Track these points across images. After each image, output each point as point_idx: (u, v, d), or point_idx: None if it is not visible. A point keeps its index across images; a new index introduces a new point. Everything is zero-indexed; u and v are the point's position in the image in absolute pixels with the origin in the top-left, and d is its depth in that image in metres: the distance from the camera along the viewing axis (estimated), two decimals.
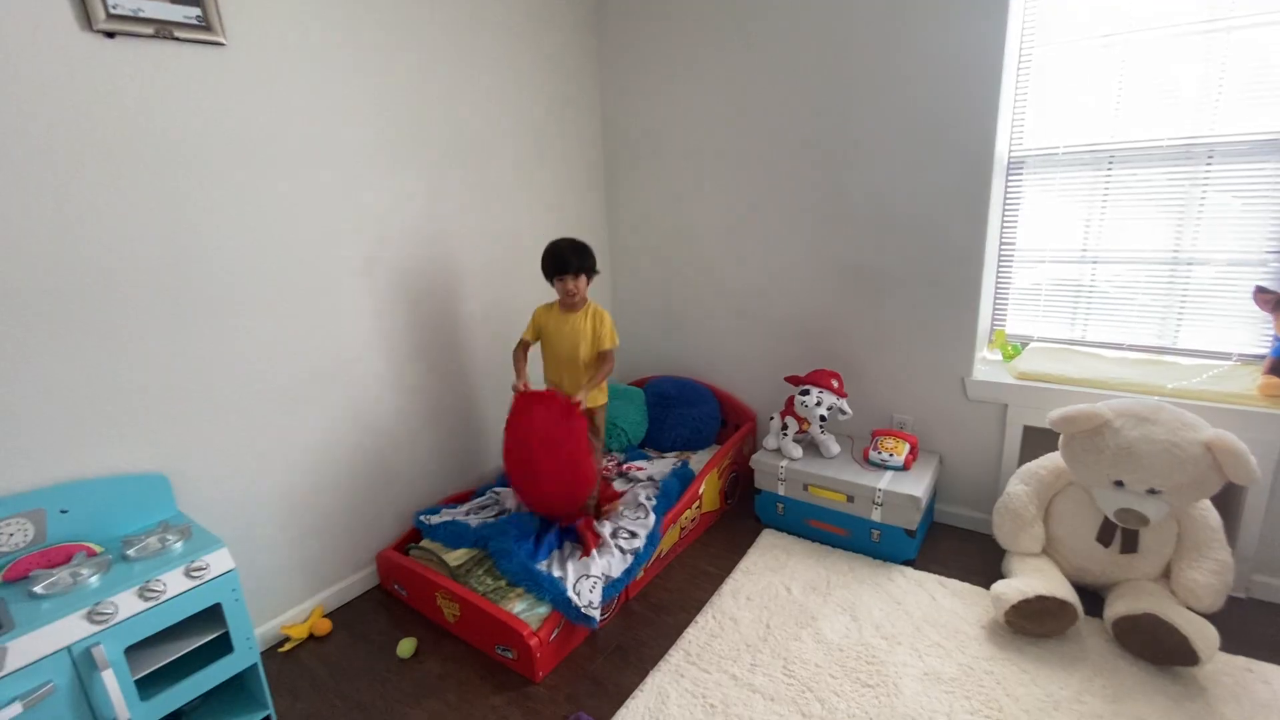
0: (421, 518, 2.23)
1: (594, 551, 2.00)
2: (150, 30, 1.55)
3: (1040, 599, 1.76)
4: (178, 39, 1.59)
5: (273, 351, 1.89)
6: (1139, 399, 1.81)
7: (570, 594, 1.84)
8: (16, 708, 1.23)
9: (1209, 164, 2.06)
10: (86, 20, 1.46)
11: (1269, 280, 1.99)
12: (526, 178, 2.64)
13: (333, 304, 2.02)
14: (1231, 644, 1.79)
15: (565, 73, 2.74)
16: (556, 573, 1.92)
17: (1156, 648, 1.67)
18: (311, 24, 1.85)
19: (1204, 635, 1.61)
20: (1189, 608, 1.76)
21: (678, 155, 2.78)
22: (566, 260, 2.04)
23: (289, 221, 1.88)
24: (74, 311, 1.51)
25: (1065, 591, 1.78)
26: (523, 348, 2.18)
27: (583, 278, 2.08)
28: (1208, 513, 1.81)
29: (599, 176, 3.03)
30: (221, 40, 1.66)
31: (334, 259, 2.01)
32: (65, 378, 1.52)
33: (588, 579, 1.90)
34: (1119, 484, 1.77)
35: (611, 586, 1.94)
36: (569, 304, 2.11)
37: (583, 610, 1.82)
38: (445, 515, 2.23)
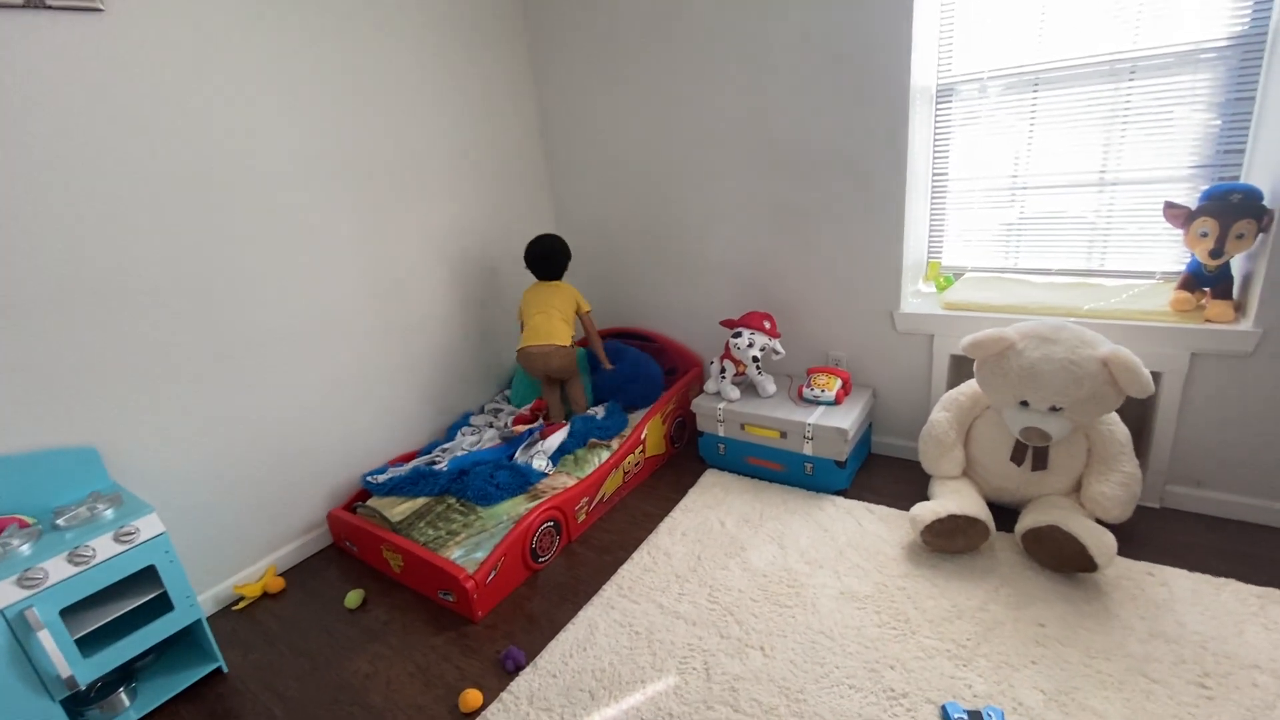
0: (368, 478, 2.29)
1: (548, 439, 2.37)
2: (20, 1, 1.51)
3: (952, 518, 1.83)
4: (50, 7, 1.56)
5: (204, 324, 1.91)
6: (1044, 320, 1.84)
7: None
8: None
9: (1131, 80, 2.04)
10: None
11: (1184, 196, 2.00)
12: (463, 138, 2.60)
13: (264, 271, 2.03)
14: (1141, 551, 1.87)
15: (497, 41, 2.67)
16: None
17: (1059, 557, 1.75)
18: None
19: (1101, 543, 1.69)
20: (1098, 520, 1.83)
21: (615, 112, 2.74)
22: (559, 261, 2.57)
23: (188, 191, 1.86)
24: None
25: (977, 509, 1.85)
26: None
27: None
28: (1115, 428, 1.86)
29: (536, 140, 2.98)
30: (98, 6, 1.62)
31: (251, 231, 2.00)
32: None
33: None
34: (1024, 404, 1.82)
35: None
36: None
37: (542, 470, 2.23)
38: (390, 473, 2.29)
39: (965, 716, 1.37)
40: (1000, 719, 1.36)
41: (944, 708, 1.41)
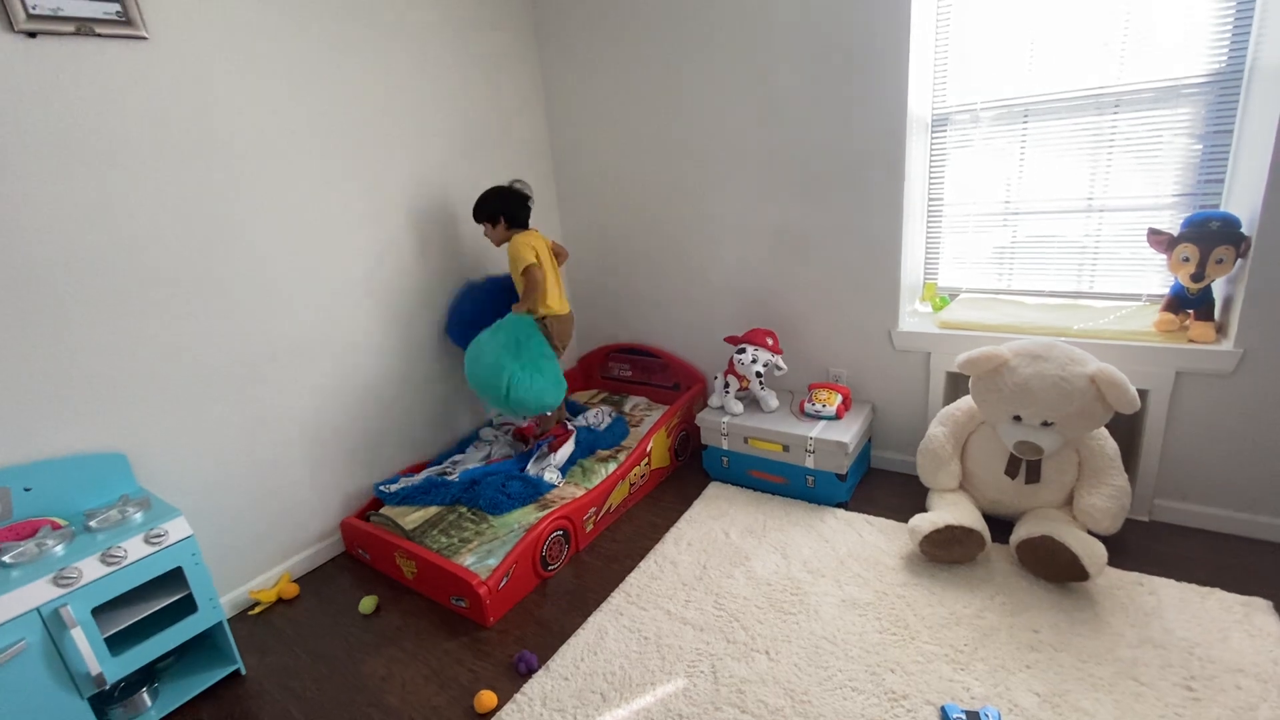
0: (380, 487, 2.35)
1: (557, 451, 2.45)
2: (71, 28, 1.61)
3: (950, 528, 1.90)
4: (99, 35, 1.65)
5: (227, 335, 1.99)
6: (1036, 339, 1.93)
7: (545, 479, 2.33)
8: None
9: (1116, 112, 2.15)
10: (8, 21, 1.52)
11: (1167, 223, 2.10)
12: (469, 161, 2.70)
13: (285, 286, 2.11)
14: (1131, 562, 1.94)
15: (510, 65, 2.79)
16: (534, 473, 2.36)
17: (1052, 566, 1.81)
18: (235, 14, 1.91)
19: (1092, 553, 1.76)
20: (1089, 531, 1.90)
21: (621, 134, 2.85)
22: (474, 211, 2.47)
23: (224, 211, 1.95)
24: (23, 304, 1.60)
25: (974, 521, 1.92)
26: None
27: (486, 224, 2.47)
28: (1105, 442, 1.94)
29: (546, 159, 3.09)
30: (143, 34, 1.72)
31: (277, 246, 2.09)
32: (22, 366, 1.61)
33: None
34: (1017, 418, 1.90)
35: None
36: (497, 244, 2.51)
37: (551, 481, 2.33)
38: (402, 483, 2.35)
39: (964, 717, 1.43)
40: (997, 719, 1.42)
41: (943, 709, 1.47)
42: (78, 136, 1.65)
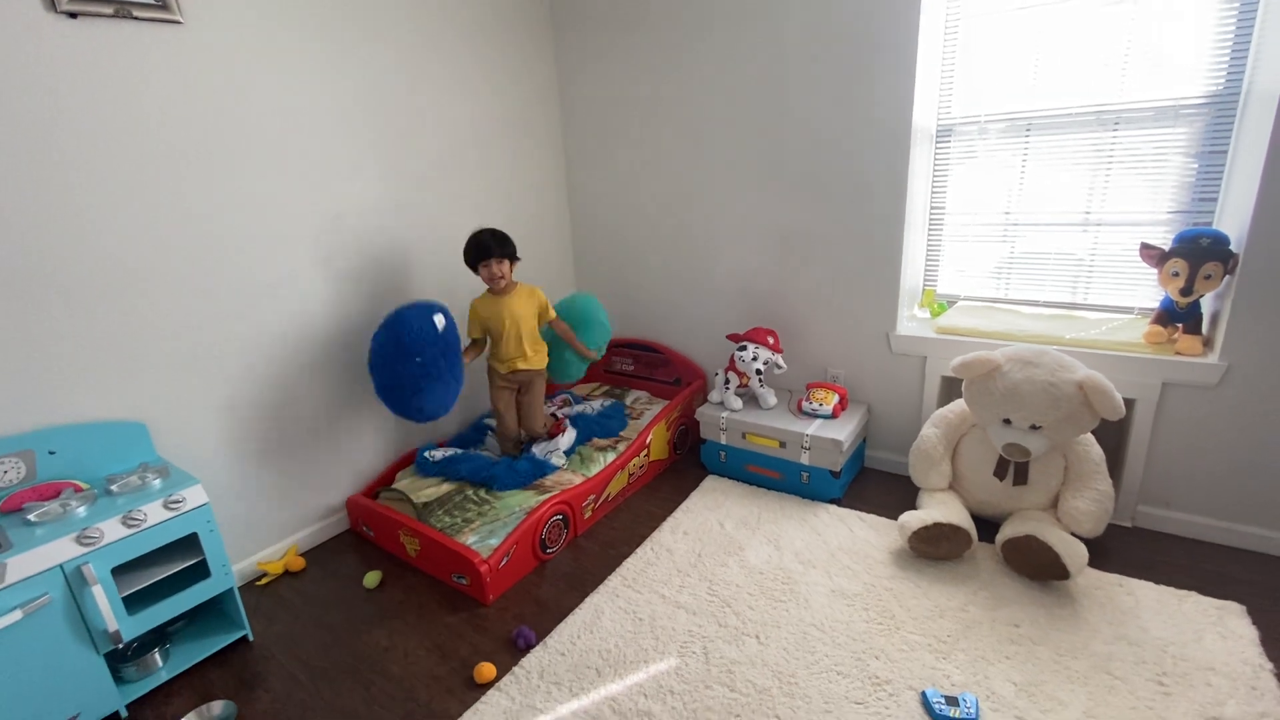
0: (425, 453, 2.46)
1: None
2: (110, 10, 1.67)
3: (938, 525, 1.97)
4: (136, 18, 1.72)
5: (245, 313, 2.05)
6: (1028, 346, 1.99)
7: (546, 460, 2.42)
8: (17, 614, 1.42)
9: (1116, 129, 2.21)
10: (51, 2, 1.59)
11: (1161, 239, 2.16)
12: (488, 160, 2.76)
13: (306, 266, 2.18)
14: (1112, 565, 2.01)
15: (525, 64, 2.86)
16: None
17: (1035, 565, 1.88)
18: (265, 1, 1.97)
19: (1074, 553, 1.82)
20: (1073, 533, 1.97)
21: (632, 136, 2.91)
22: (489, 247, 2.26)
23: (249, 192, 2.01)
24: (53, 276, 1.66)
25: (961, 519, 1.99)
26: (474, 349, 2.43)
27: (505, 262, 2.31)
28: (1090, 448, 2.01)
29: (559, 158, 3.15)
30: (178, 19, 1.78)
31: (297, 228, 2.15)
32: (51, 334, 1.68)
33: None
34: (1007, 422, 1.96)
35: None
36: (498, 289, 2.34)
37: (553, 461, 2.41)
38: (442, 453, 2.48)
39: (943, 701, 1.50)
40: (975, 705, 1.49)
41: (924, 694, 1.54)
42: (113, 115, 1.71)
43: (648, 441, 2.63)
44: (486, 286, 2.37)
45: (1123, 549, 2.09)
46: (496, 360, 2.43)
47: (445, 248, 2.64)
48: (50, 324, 1.68)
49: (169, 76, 1.80)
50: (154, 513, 1.65)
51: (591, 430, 2.64)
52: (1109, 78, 2.15)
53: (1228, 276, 1.94)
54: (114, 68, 1.70)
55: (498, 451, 2.57)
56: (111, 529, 1.58)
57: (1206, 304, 2.08)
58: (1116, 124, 2.20)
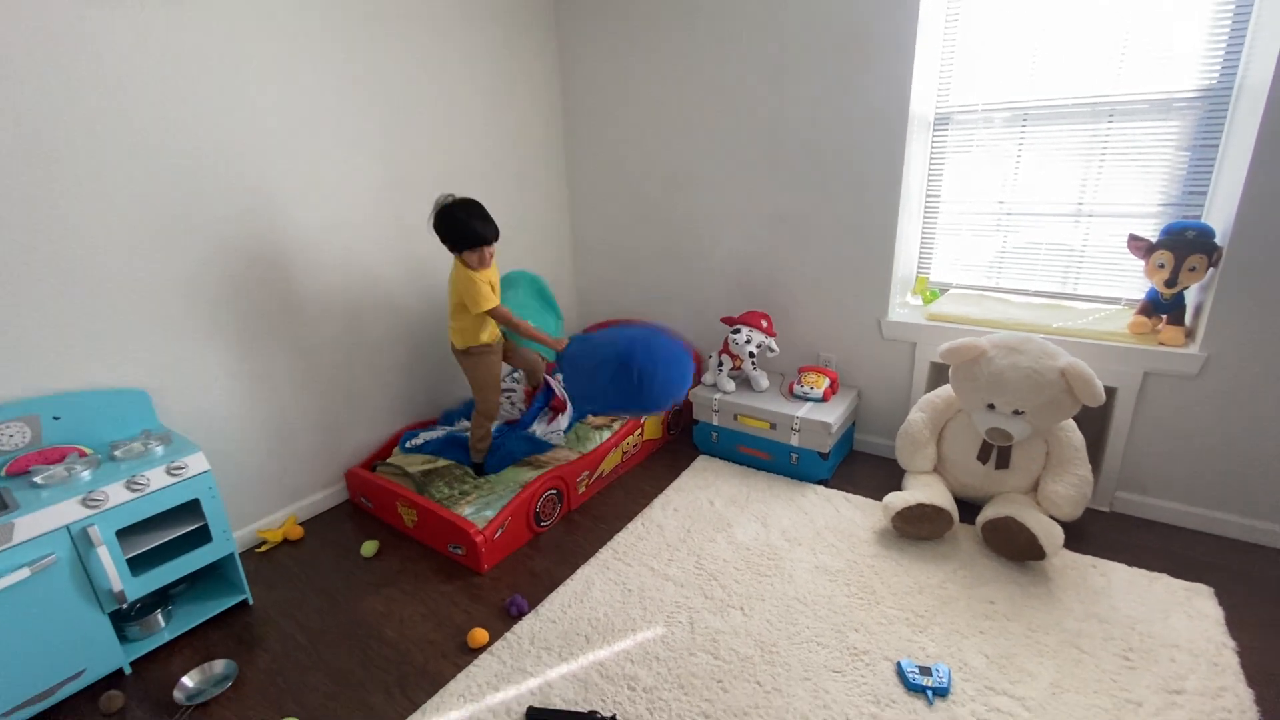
0: (406, 443, 2.49)
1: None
2: None
3: (921, 506, 2.02)
4: None
5: (248, 285, 2.08)
6: (1013, 333, 2.04)
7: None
8: (25, 572, 1.47)
9: (1110, 121, 2.23)
10: None
11: (1151, 231, 2.20)
12: (490, 144, 2.77)
13: (307, 239, 2.20)
14: (1088, 547, 2.07)
15: (527, 50, 2.85)
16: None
17: (1012, 545, 1.94)
18: None
19: (1050, 534, 1.88)
20: (1051, 516, 2.03)
21: (632, 119, 2.92)
22: (488, 236, 2.07)
23: (249, 167, 2.03)
24: (55, 240, 1.69)
25: (944, 500, 2.05)
26: (477, 320, 2.18)
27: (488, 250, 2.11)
28: (1072, 434, 2.06)
29: (559, 140, 3.16)
30: None
31: (298, 200, 2.17)
32: (56, 301, 1.71)
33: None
34: (991, 406, 2.01)
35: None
36: (483, 267, 2.12)
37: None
38: (424, 437, 2.51)
39: (917, 671, 1.56)
40: (948, 674, 1.55)
41: (899, 664, 1.60)
42: (113, 84, 1.72)
43: (642, 421, 2.68)
44: (457, 259, 2.13)
45: (1099, 533, 2.15)
46: (488, 331, 2.25)
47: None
48: (57, 290, 1.70)
49: (169, 45, 1.81)
50: (157, 478, 1.69)
51: (584, 410, 2.68)
52: (1106, 69, 2.17)
53: (1212, 269, 1.98)
54: (111, 33, 1.70)
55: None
56: (116, 493, 1.62)
57: (1191, 296, 2.12)
58: (1111, 116, 2.22)
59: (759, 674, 1.60)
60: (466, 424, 2.61)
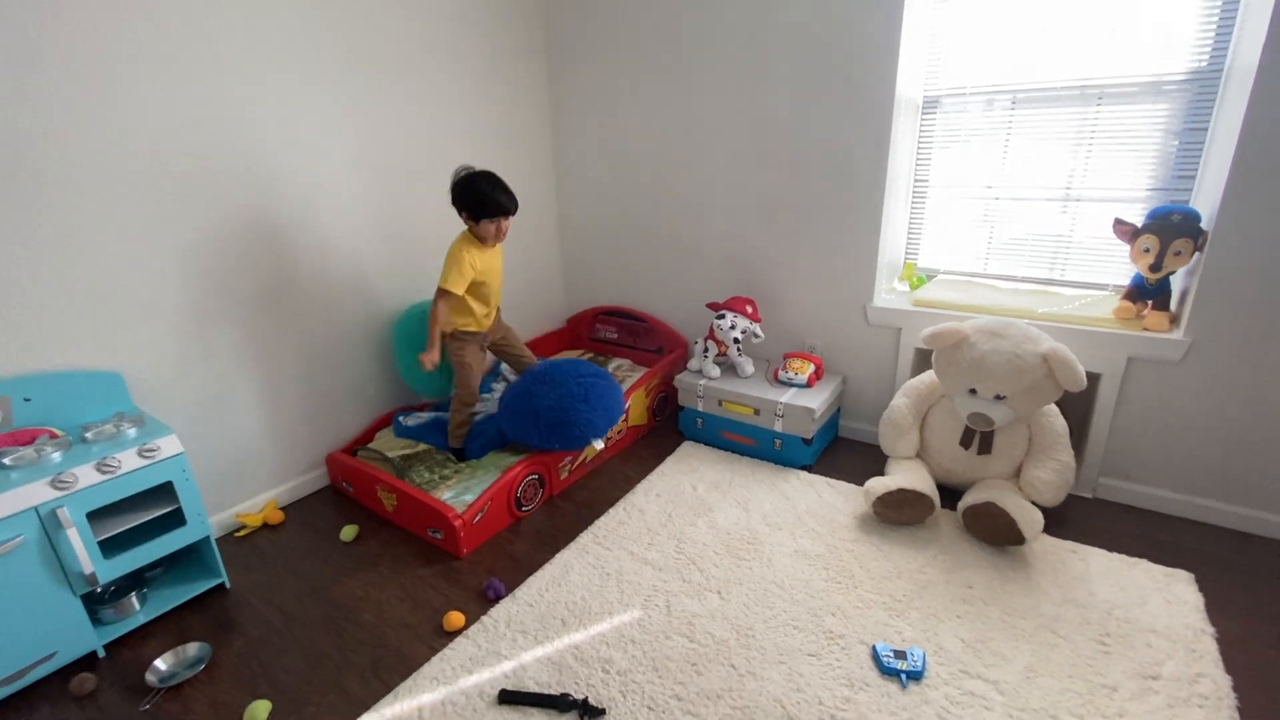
0: (400, 417, 2.49)
1: None
2: None
3: (902, 491, 2.01)
4: None
5: (225, 264, 2.05)
6: (996, 318, 2.02)
7: None
8: None
9: (1100, 104, 2.21)
10: None
11: (1139, 216, 2.17)
12: (476, 129, 2.74)
13: (288, 215, 2.18)
14: (1069, 533, 2.06)
15: (515, 36, 2.82)
16: None
17: (992, 530, 1.93)
18: None
19: (1030, 519, 1.87)
20: (1033, 502, 2.02)
21: (621, 103, 2.88)
22: (508, 206, 2.12)
23: (227, 135, 2.00)
24: (26, 218, 1.66)
25: (925, 486, 2.04)
26: (460, 304, 2.17)
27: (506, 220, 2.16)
28: (1054, 420, 2.05)
29: (547, 124, 3.12)
30: None
31: (278, 171, 2.14)
32: (28, 280, 1.68)
33: None
34: (973, 392, 2.00)
35: None
36: (498, 240, 2.19)
37: None
38: (415, 418, 2.51)
39: (891, 654, 1.56)
40: (922, 658, 1.55)
41: (874, 647, 1.60)
42: (90, 49, 1.69)
43: (626, 407, 2.66)
44: (470, 233, 2.16)
45: (1081, 519, 2.15)
46: (473, 318, 2.25)
47: (435, 190, 2.63)
48: (28, 269, 1.68)
49: (153, 34, 1.77)
50: (128, 460, 1.67)
51: None
52: (1096, 51, 2.14)
53: (1197, 253, 1.96)
54: (89, 12, 1.67)
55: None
56: (86, 474, 1.60)
57: (1177, 282, 2.11)
58: (1100, 99, 2.20)
59: (734, 657, 1.60)
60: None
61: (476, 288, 2.18)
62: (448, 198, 2.16)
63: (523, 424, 2.22)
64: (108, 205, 1.79)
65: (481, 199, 2.09)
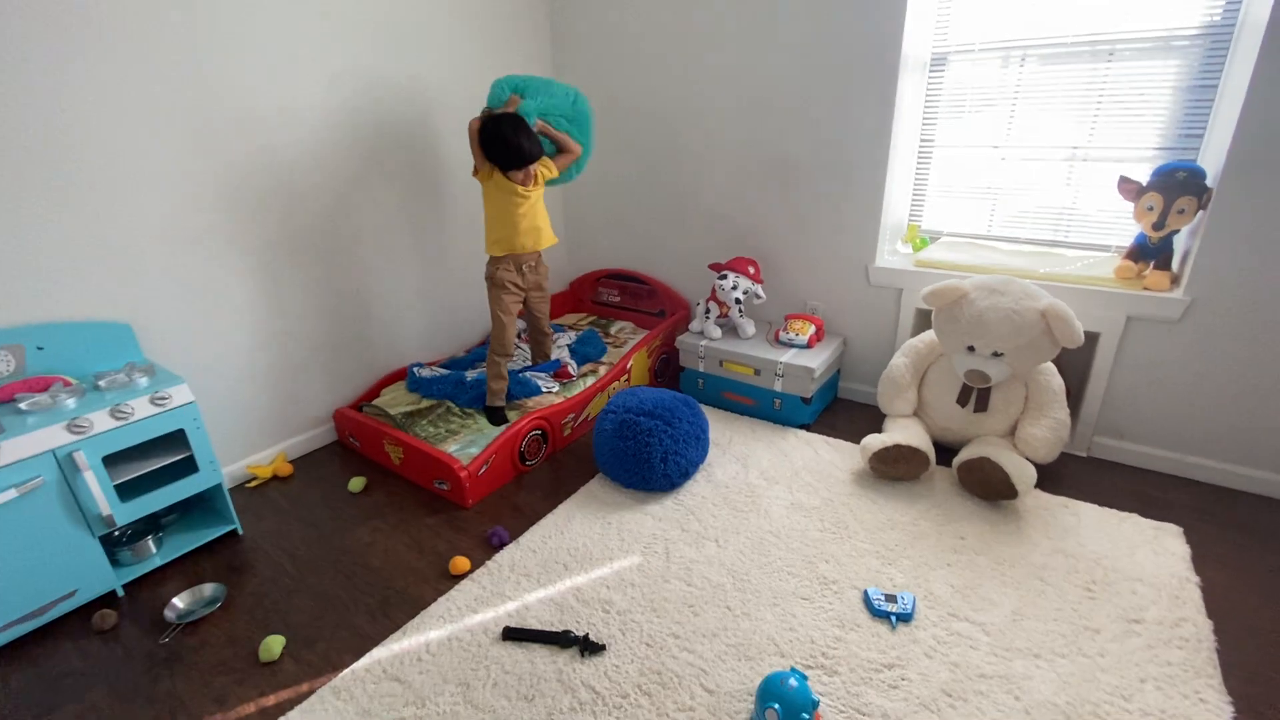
0: (415, 368, 2.53)
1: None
2: None
3: (898, 447, 2.05)
4: None
5: (242, 220, 2.08)
6: (996, 276, 2.03)
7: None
8: (12, 493, 1.51)
9: (1110, 61, 2.18)
10: None
11: (1144, 175, 2.16)
12: (475, 80, 2.72)
13: (297, 169, 2.18)
14: (1062, 489, 2.10)
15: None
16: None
17: (986, 484, 1.97)
18: None
19: (1023, 473, 1.91)
20: (1028, 459, 2.05)
21: (624, 62, 2.85)
22: (534, 153, 2.12)
23: (238, 94, 2.00)
24: (32, 169, 1.67)
25: (921, 442, 2.07)
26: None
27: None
28: (1051, 378, 2.07)
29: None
30: None
31: (288, 127, 2.14)
32: (41, 230, 1.71)
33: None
34: (971, 349, 2.02)
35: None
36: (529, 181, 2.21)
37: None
38: (429, 371, 2.55)
39: (882, 598, 1.61)
40: (913, 602, 1.60)
41: (865, 592, 1.65)
42: (70, 15, 1.68)
43: (628, 367, 2.69)
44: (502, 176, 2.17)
45: (1075, 476, 2.18)
46: (498, 243, 2.23)
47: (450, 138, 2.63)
48: (41, 218, 1.70)
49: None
50: (141, 407, 1.71)
51: (573, 357, 2.70)
52: (1110, 5, 2.10)
53: (1201, 211, 1.96)
54: None
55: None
56: (100, 420, 1.65)
57: (1180, 242, 2.10)
58: (1111, 55, 2.17)
59: (729, 600, 1.65)
60: (473, 371, 2.60)
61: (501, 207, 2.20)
62: (462, 145, 2.18)
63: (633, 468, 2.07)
64: (123, 156, 1.80)
65: (504, 149, 2.07)
